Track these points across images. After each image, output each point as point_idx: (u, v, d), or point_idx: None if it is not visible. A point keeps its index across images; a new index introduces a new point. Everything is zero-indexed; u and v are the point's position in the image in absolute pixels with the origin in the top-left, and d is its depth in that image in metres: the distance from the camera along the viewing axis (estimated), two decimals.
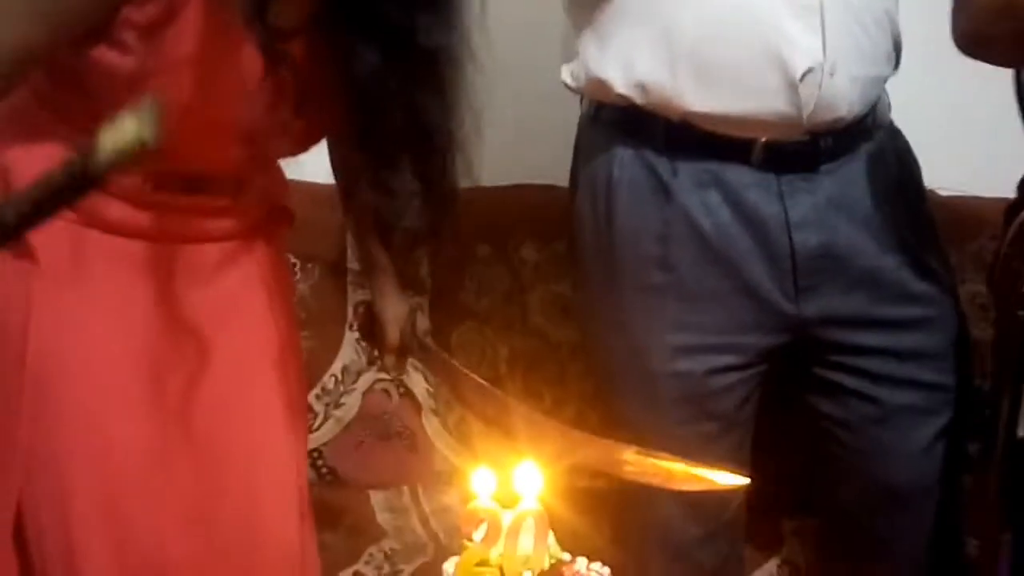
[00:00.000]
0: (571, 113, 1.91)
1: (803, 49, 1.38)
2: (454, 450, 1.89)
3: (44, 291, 1.14)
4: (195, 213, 1.20)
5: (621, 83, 1.44)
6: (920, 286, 1.50)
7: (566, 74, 1.52)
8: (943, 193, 2.04)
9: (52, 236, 1.12)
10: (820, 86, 1.39)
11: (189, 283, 1.20)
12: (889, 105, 1.55)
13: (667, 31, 1.40)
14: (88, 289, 1.16)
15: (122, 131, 0.83)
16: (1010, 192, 2.06)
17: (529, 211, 1.94)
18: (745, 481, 1.21)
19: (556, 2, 1.57)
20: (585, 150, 1.55)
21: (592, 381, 1.61)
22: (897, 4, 1.50)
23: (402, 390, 1.89)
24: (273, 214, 1.30)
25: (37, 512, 1.13)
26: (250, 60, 1.08)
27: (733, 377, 1.48)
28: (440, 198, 1.20)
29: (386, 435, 1.89)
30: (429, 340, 1.43)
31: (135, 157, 0.84)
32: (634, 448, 1.21)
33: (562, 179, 1.96)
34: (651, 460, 1.21)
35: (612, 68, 1.44)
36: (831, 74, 1.39)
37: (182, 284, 1.20)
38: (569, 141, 2.00)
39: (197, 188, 1.19)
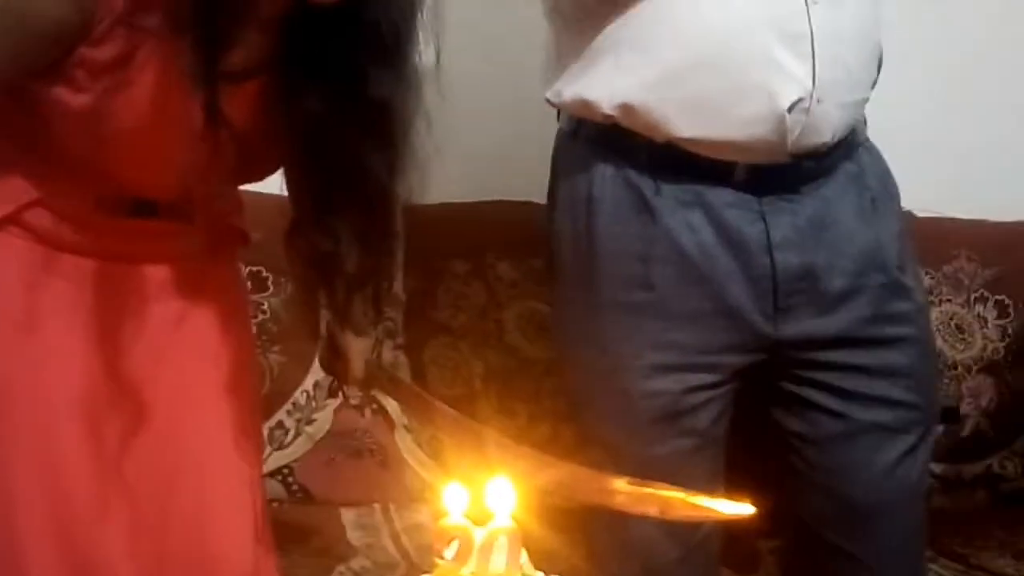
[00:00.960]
0: (549, 129, 1.91)
1: (793, 79, 1.37)
2: (426, 467, 1.88)
3: None
4: (144, 236, 1.20)
5: (607, 104, 1.43)
6: (896, 305, 1.49)
7: (548, 91, 1.51)
8: (919, 214, 2.05)
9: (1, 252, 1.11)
10: (807, 113, 1.38)
11: (138, 303, 1.19)
12: (866, 121, 1.54)
13: (656, 57, 1.38)
14: (35, 309, 1.15)
15: None
16: (985, 214, 2.08)
17: (506, 227, 1.93)
18: (751, 510, 1.15)
19: (535, 18, 1.56)
20: (564, 166, 1.53)
21: (567, 398, 1.60)
22: (880, 27, 1.50)
23: (374, 407, 1.87)
24: (225, 234, 1.28)
25: None
26: (198, 105, 1.07)
27: (708, 395, 1.46)
28: (379, 249, 1.19)
29: (358, 452, 1.87)
30: (399, 368, 1.39)
31: None
32: (626, 479, 1.18)
33: (539, 196, 1.95)
34: (647, 490, 1.16)
35: (598, 89, 1.43)
36: (819, 101, 1.39)
37: (131, 304, 1.18)
38: (547, 157, 2.00)
39: (145, 212, 1.18)
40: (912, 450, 1.51)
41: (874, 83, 1.52)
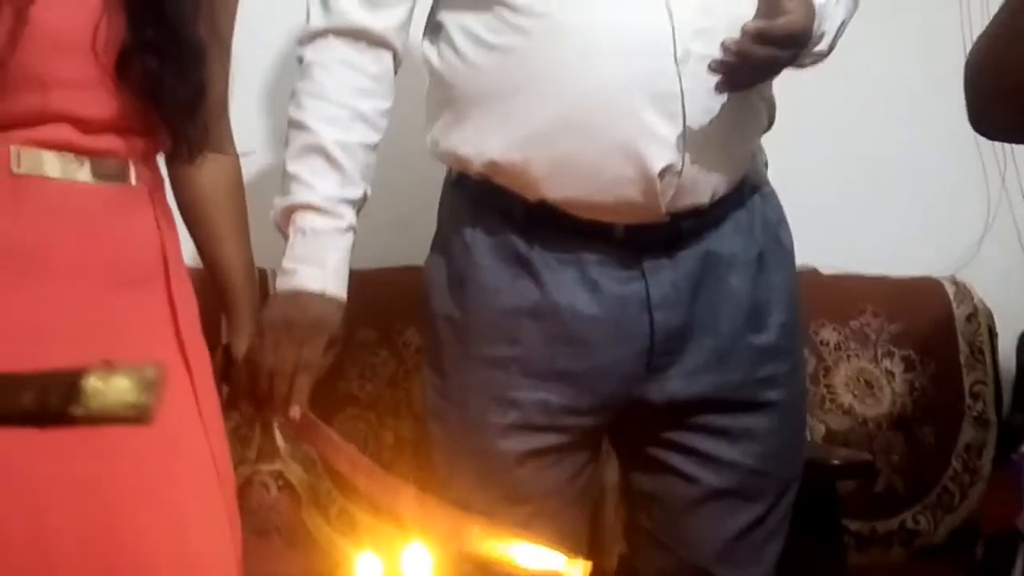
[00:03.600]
0: None
1: (661, 141, 1.33)
2: (336, 545, 1.81)
3: None
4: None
5: (477, 161, 1.39)
6: (769, 368, 1.44)
7: (429, 141, 1.47)
8: (826, 272, 2.07)
9: None
10: (680, 176, 1.34)
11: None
12: (766, 164, 1.50)
13: (521, 117, 1.34)
14: None
15: (114, 389, 0.77)
16: (887, 270, 2.11)
17: (413, 294, 1.89)
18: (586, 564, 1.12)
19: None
20: (445, 214, 1.49)
21: (428, 453, 1.53)
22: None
23: (281, 483, 1.81)
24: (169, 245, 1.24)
25: None
26: None
27: (567, 454, 1.42)
28: (193, 67, 1.19)
29: (264, 531, 1.81)
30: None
31: (120, 419, 0.78)
32: (480, 522, 1.15)
33: None
34: (495, 538, 1.13)
35: (468, 145, 1.39)
36: (692, 163, 1.34)
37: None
38: None
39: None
40: (760, 520, 1.47)
41: (765, 130, 1.47)
